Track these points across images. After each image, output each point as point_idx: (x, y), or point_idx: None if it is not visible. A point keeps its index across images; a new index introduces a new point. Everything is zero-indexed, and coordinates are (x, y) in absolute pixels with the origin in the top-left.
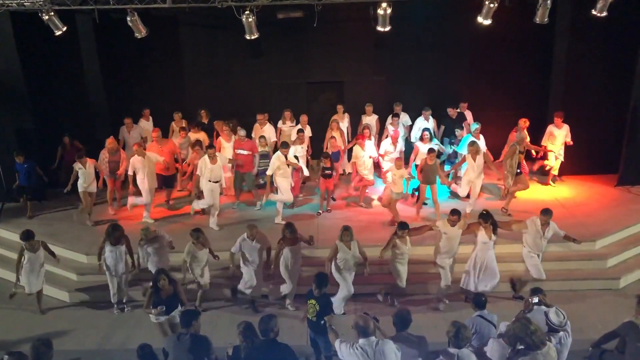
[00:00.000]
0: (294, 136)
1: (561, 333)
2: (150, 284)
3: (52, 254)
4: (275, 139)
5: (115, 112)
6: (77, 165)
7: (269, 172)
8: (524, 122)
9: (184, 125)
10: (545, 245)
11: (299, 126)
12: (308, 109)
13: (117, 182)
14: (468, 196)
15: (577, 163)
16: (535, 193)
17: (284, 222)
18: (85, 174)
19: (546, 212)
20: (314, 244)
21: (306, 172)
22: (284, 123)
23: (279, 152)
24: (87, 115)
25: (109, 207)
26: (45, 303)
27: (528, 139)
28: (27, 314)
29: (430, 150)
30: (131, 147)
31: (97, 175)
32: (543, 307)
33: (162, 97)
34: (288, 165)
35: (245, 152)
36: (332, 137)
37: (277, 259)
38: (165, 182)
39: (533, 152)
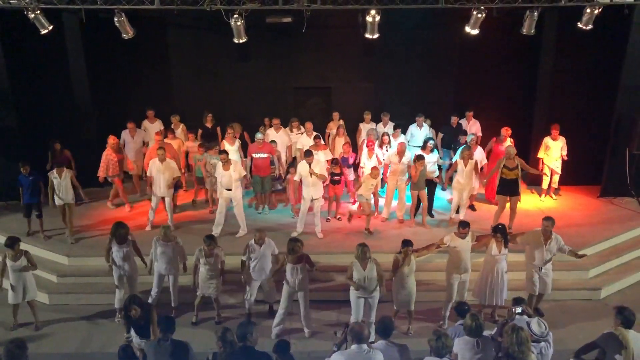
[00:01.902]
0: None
1: (542, 343)
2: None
3: (32, 264)
4: (290, 144)
5: (101, 112)
6: (52, 175)
7: (295, 178)
8: (505, 131)
9: (180, 130)
10: (548, 257)
11: (304, 133)
12: (295, 114)
13: (118, 181)
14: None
15: (561, 174)
16: (520, 204)
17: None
18: (58, 185)
19: (548, 219)
20: (315, 270)
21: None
22: (291, 131)
23: (303, 161)
24: (72, 114)
25: (126, 205)
26: (24, 306)
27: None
28: (4, 316)
29: (419, 157)
30: (134, 152)
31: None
32: (525, 317)
33: (148, 98)
34: (311, 174)
35: (265, 156)
36: (346, 142)
37: (277, 272)
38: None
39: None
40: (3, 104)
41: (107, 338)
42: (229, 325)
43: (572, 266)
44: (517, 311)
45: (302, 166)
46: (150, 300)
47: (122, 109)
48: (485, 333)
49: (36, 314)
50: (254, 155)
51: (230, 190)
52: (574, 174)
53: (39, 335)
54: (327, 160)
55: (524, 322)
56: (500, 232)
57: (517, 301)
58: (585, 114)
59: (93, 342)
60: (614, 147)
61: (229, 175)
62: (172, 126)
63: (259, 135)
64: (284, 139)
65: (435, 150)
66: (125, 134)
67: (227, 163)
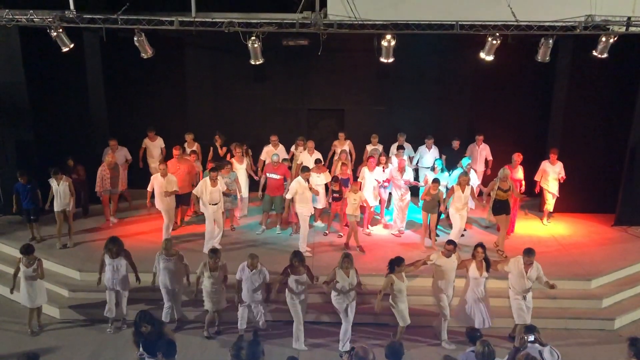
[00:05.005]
0: (300, 161)
1: None
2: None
3: (40, 274)
4: (287, 157)
5: (116, 129)
6: (52, 181)
7: (287, 196)
8: (517, 157)
9: (195, 148)
10: (529, 285)
11: (317, 154)
12: (308, 135)
13: (114, 198)
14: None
15: (574, 201)
16: (532, 230)
17: (308, 250)
18: (56, 191)
19: (529, 253)
20: (316, 283)
21: (322, 204)
22: (296, 149)
23: (299, 177)
24: (88, 130)
25: (107, 220)
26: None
27: (522, 174)
28: (16, 329)
29: (435, 180)
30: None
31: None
32: (537, 346)
33: (163, 117)
34: (310, 189)
35: (278, 177)
36: (344, 164)
37: (276, 285)
38: (180, 200)
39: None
40: (22, 119)
41: (116, 354)
42: (218, 342)
43: (585, 295)
44: (529, 339)
45: (297, 183)
46: (163, 317)
47: (138, 126)
48: None
49: (39, 318)
50: (268, 174)
51: (216, 204)
52: (588, 201)
53: (49, 349)
54: (327, 183)
55: (536, 351)
56: (482, 247)
57: (529, 329)
58: (600, 142)
59: (102, 357)
60: (629, 176)
61: (217, 190)
62: (186, 144)
63: (274, 157)
64: (281, 154)
65: (444, 170)
66: (107, 152)
67: (215, 180)
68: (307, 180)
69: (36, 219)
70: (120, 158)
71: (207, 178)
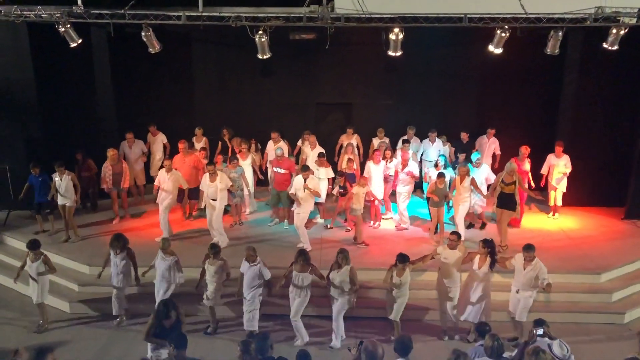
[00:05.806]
0: (304, 155)
1: None
2: (155, 314)
3: (49, 269)
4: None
5: (123, 125)
6: (55, 175)
7: (291, 191)
8: (525, 149)
9: (204, 145)
10: (524, 282)
11: (319, 149)
12: (316, 129)
13: (122, 194)
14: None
15: (584, 194)
16: (541, 224)
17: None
18: (59, 185)
19: (528, 248)
20: (324, 283)
21: (322, 199)
22: (303, 143)
23: (299, 175)
24: (96, 126)
25: (116, 216)
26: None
27: (529, 167)
28: (26, 323)
29: (440, 175)
30: (132, 162)
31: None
32: (546, 339)
33: (171, 112)
34: (305, 189)
35: (283, 171)
36: (350, 159)
37: (282, 279)
38: (188, 194)
39: (532, 183)
40: (30, 115)
41: (125, 349)
42: (226, 337)
43: (595, 289)
44: (538, 333)
45: (297, 180)
46: None
47: (145, 121)
48: (506, 355)
49: (44, 316)
50: (274, 169)
51: (214, 200)
52: (598, 194)
53: (58, 343)
54: (329, 178)
55: (545, 345)
56: (484, 244)
57: (538, 323)
58: (609, 134)
59: (111, 352)
60: (639, 168)
61: (215, 186)
62: (194, 139)
63: (278, 152)
64: (284, 150)
65: (449, 168)
66: (123, 145)
67: (214, 174)
68: (305, 180)
69: (50, 212)
70: (137, 151)
71: (207, 174)
